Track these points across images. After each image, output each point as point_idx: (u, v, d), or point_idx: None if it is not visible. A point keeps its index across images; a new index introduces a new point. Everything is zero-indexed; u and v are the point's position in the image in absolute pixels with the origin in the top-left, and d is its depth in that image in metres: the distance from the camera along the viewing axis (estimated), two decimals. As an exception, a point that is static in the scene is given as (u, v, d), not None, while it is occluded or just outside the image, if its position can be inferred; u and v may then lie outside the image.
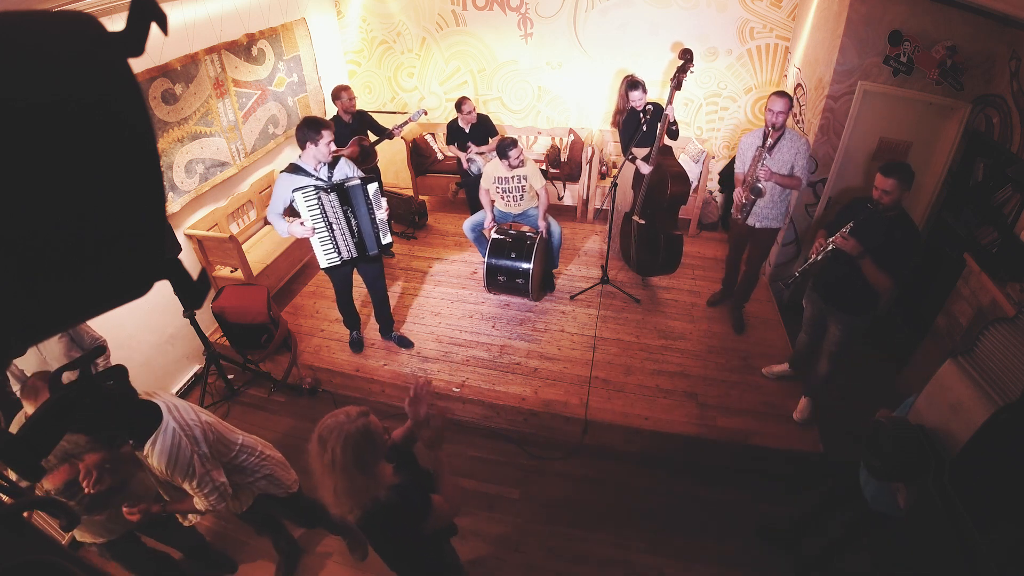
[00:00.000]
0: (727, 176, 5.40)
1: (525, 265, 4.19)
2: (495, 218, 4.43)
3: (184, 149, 3.84)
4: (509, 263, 4.24)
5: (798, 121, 4.54)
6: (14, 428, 2.20)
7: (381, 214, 3.45)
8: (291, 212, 3.37)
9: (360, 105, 4.93)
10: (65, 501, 2.04)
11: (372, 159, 4.78)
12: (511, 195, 4.31)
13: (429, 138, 6.04)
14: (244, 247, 4.28)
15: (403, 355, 4.05)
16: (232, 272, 4.20)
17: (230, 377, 3.95)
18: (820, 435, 3.36)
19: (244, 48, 4.38)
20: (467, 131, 5.11)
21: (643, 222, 4.31)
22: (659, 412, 3.55)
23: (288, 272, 4.67)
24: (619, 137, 4.40)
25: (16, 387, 2.55)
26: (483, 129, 5.14)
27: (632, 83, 4.01)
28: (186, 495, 2.07)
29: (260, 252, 4.51)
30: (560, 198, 5.67)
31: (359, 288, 3.95)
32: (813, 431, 3.39)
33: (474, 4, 5.41)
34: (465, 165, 5.15)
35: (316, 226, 3.32)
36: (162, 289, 0.54)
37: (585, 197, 5.71)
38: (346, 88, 4.60)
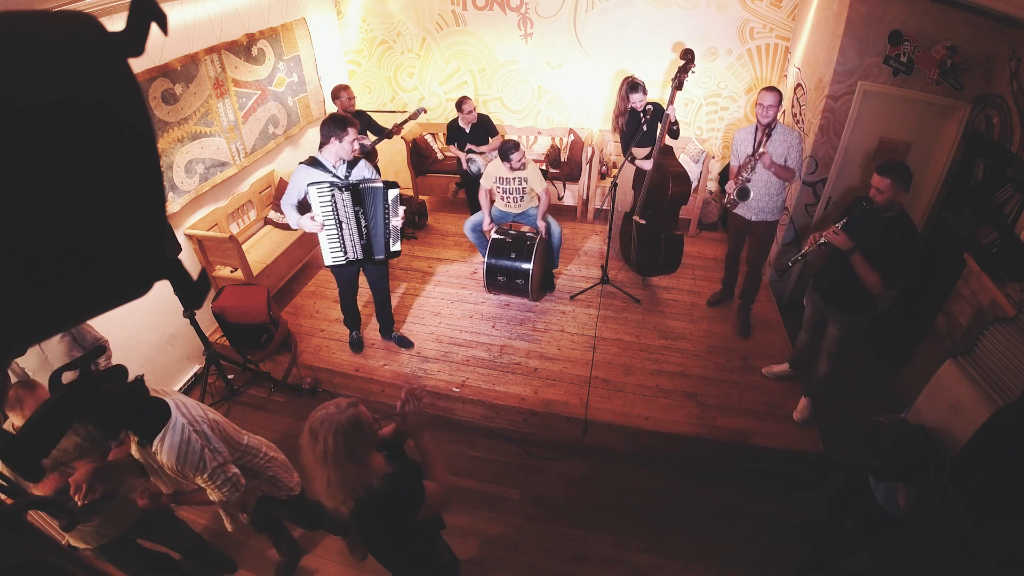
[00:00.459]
0: (727, 176, 5.41)
1: (525, 265, 4.19)
2: (493, 219, 4.43)
3: (184, 149, 3.84)
4: (509, 263, 4.23)
5: (798, 121, 4.55)
6: None
7: (396, 221, 3.47)
8: (303, 204, 3.36)
9: (360, 105, 4.94)
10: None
11: (372, 159, 4.79)
12: (511, 196, 4.32)
13: (429, 138, 6.04)
14: (244, 247, 4.28)
15: (403, 355, 4.05)
16: (232, 272, 4.20)
17: (230, 377, 3.95)
18: (820, 435, 3.36)
19: (244, 48, 4.38)
20: (467, 131, 5.11)
21: (643, 222, 4.31)
22: (659, 412, 3.55)
23: (288, 272, 4.66)
24: (620, 140, 4.41)
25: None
26: (483, 129, 5.14)
27: (632, 85, 4.01)
28: (198, 489, 2.07)
29: (260, 252, 4.51)
30: (560, 198, 5.67)
31: (362, 288, 3.94)
32: (813, 431, 3.39)
33: (474, 4, 5.41)
34: (465, 165, 5.15)
35: (326, 222, 3.31)
36: (162, 289, 0.54)
37: (585, 197, 5.71)
38: (345, 88, 4.60)
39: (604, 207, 5.74)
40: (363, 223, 3.41)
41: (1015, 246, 3.13)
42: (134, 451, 2.03)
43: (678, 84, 3.80)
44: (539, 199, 4.32)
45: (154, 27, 0.48)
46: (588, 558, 2.96)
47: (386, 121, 5.04)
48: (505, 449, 3.61)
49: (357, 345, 4.09)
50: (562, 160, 5.71)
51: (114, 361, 2.84)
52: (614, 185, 4.19)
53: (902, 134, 3.95)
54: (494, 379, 3.83)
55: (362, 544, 1.78)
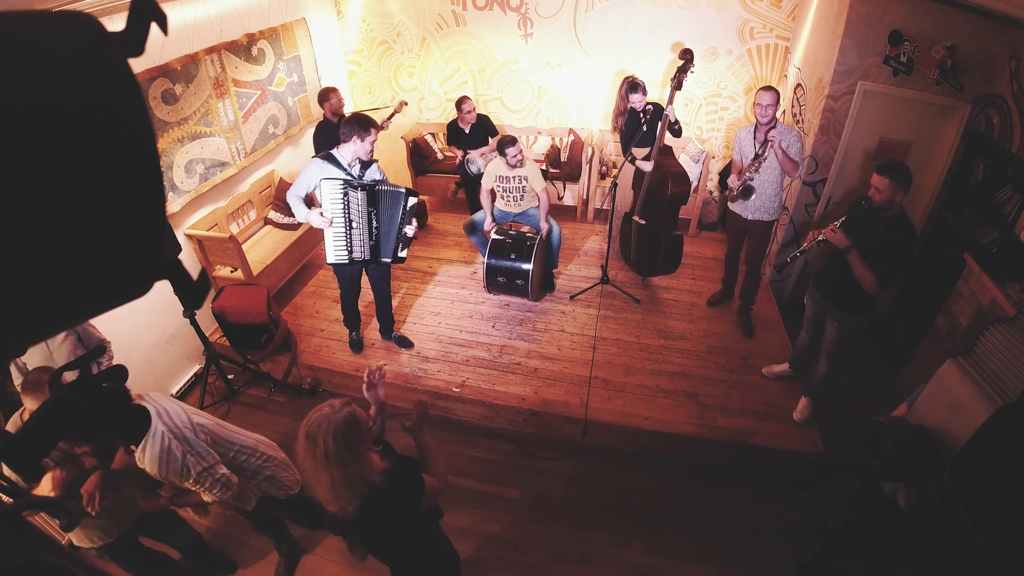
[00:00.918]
0: (728, 173, 5.42)
1: (525, 266, 4.19)
2: (495, 218, 4.43)
3: (184, 149, 3.84)
4: (509, 264, 4.23)
5: (798, 121, 4.55)
6: (11, 427, 2.19)
7: (410, 230, 3.47)
8: (308, 200, 3.35)
9: (360, 106, 4.93)
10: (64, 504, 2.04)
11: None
12: (511, 195, 4.31)
13: (429, 138, 6.04)
14: (244, 247, 4.28)
15: (403, 355, 4.05)
16: (232, 272, 4.20)
17: (230, 377, 3.95)
18: (820, 435, 3.36)
19: (244, 48, 4.38)
20: (467, 132, 5.11)
21: (643, 222, 4.31)
22: (659, 412, 3.55)
23: (288, 272, 4.66)
24: (620, 139, 4.41)
25: (19, 383, 2.56)
26: (483, 129, 5.14)
27: (632, 85, 4.01)
28: (190, 491, 2.08)
29: (260, 252, 4.51)
30: (560, 198, 5.67)
31: (362, 289, 3.93)
32: (813, 431, 3.39)
33: (474, 4, 5.41)
34: (465, 165, 5.15)
35: (335, 219, 3.30)
36: (162, 289, 0.54)
37: (585, 197, 5.71)
38: (334, 90, 4.56)
39: (604, 207, 5.74)
40: (374, 224, 3.40)
41: (1015, 246, 3.12)
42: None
43: (677, 84, 3.80)
44: (539, 199, 4.32)
45: (154, 27, 0.48)
46: (588, 558, 2.96)
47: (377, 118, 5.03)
48: (505, 449, 3.61)
49: (357, 345, 4.09)
50: (562, 160, 5.71)
51: (114, 361, 2.85)
52: (614, 185, 4.19)
53: (902, 134, 3.95)
54: (494, 379, 3.83)
55: (363, 544, 1.79)
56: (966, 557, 1.92)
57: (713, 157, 5.41)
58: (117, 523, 2.31)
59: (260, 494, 2.39)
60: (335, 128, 4.50)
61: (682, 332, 4.23)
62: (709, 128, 5.56)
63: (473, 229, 4.54)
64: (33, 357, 2.48)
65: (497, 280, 4.33)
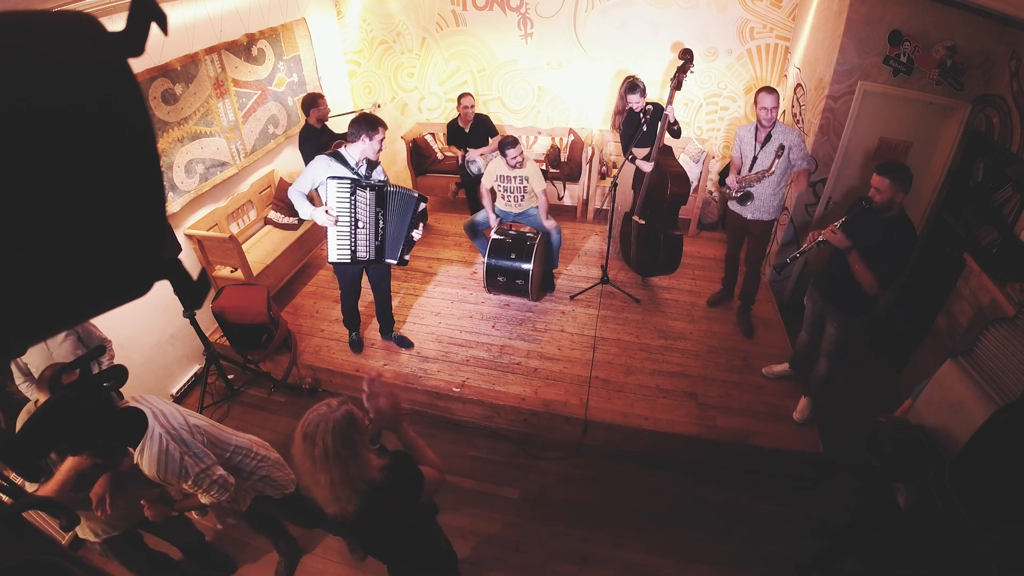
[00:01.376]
0: (727, 172, 5.42)
1: (525, 266, 4.19)
2: (498, 217, 4.43)
3: (184, 149, 3.84)
4: (509, 263, 4.23)
5: (798, 121, 4.55)
6: (23, 419, 2.20)
7: (417, 233, 3.48)
8: (311, 197, 3.35)
9: (360, 105, 4.92)
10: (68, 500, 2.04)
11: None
12: (512, 195, 4.31)
13: (429, 138, 6.04)
14: (244, 247, 4.28)
15: (403, 355, 4.05)
16: (232, 272, 4.20)
17: (230, 377, 3.95)
18: (820, 435, 3.36)
19: (244, 48, 4.38)
20: (467, 131, 5.11)
21: (643, 222, 4.31)
22: (659, 412, 3.55)
23: (288, 272, 4.66)
24: (620, 139, 4.41)
25: (20, 381, 2.56)
26: (483, 129, 5.15)
27: (631, 85, 4.01)
28: (189, 494, 2.08)
29: (260, 252, 4.51)
30: (560, 198, 5.67)
31: (364, 290, 3.93)
32: (813, 431, 3.39)
33: (474, 4, 5.41)
34: (465, 165, 5.16)
35: (340, 218, 3.28)
36: (162, 289, 0.54)
37: (585, 197, 5.71)
38: (321, 96, 4.49)
39: (604, 207, 5.74)
40: (381, 224, 3.39)
41: (1015, 246, 3.12)
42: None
43: (677, 84, 3.80)
44: (538, 199, 4.32)
45: (154, 27, 0.48)
46: (588, 558, 2.96)
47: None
48: (505, 449, 3.61)
49: (357, 345, 4.09)
50: (562, 160, 5.71)
51: (115, 361, 2.85)
52: (614, 185, 4.19)
53: (902, 134, 3.95)
54: (494, 379, 3.83)
55: (360, 543, 1.78)
56: (966, 557, 1.92)
57: (713, 157, 5.41)
58: (124, 518, 2.31)
59: (255, 494, 2.40)
60: (321, 135, 4.48)
61: (682, 332, 4.23)
62: (709, 128, 5.56)
63: (473, 229, 4.54)
64: (33, 357, 2.48)
65: (497, 280, 4.33)
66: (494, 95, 5.91)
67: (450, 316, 4.43)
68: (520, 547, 3.02)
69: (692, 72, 3.87)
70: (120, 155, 0.43)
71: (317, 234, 4.90)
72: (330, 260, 3.43)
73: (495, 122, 5.38)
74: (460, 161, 5.21)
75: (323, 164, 3.22)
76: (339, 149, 3.28)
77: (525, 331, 4.25)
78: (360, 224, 3.34)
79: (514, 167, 4.11)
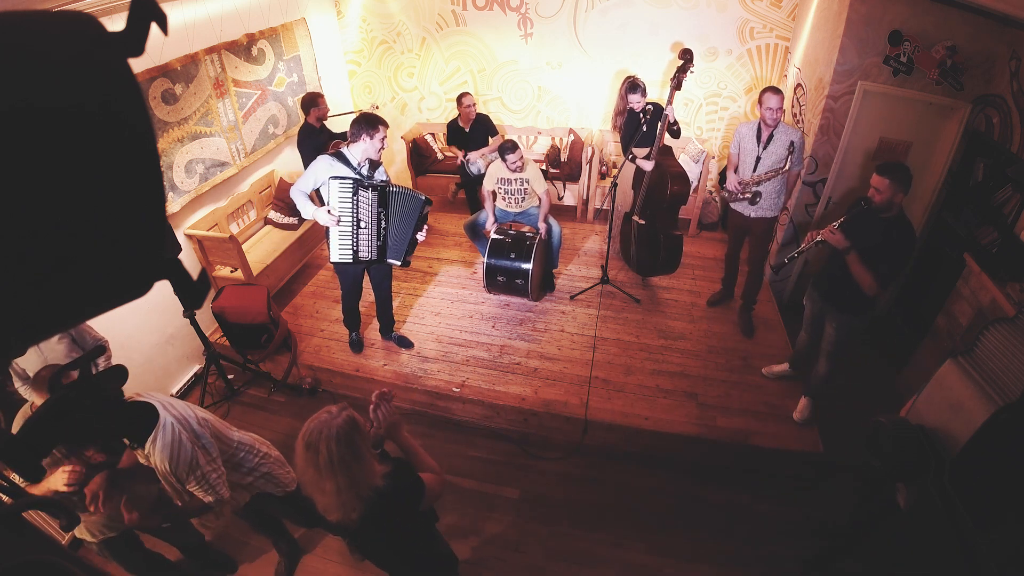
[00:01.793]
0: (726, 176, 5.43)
1: (525, 265, 4.19)
2: (496, 218, 4.43)
3: (184, 149, 3.84)
4: (509, 263, 4.23)
5: (798, 121, 4.55)
6: (19, 421, 2.19)
7: (421, 236, 3.49)
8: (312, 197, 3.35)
9: (359, 105, 4.92)
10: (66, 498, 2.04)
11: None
12: (512, 197, 4.32)
13: (429, 138, 6.04)
14: (244, 247, 4.28)
15: (403, 355, 4.05)
16: (232, 272, 4.20)
17: (230, 377, 3.95)
18: (820, 435, 3.36)
19: (244, 48, 4.38)
20: (467, 131, 5.11)
21: (643, 222, 4.31)
22: (659, 412, 3.55)
23: (288, 272, 4.66)
24: (620, 139, 4.41)
25: (18, 384, 2.56)
26: (483, 129, 5.15)
27: (632, 85, 4.01)
28: (191, 497, 2.07)
29: (260, 252, 4.51)
30: (560, 198, 5.67)
31: (364, 290, 3.93)
32: (813, 431, 3.39)
33: (474, 4, 5.41)
34: (465, 166, 5.15)
35: (342, 217, 3.28)
36: (162, 289, 0.54)
37: (585, 197, 5.71)
38: (320, 96, 4.49)
39: (604, 207, 5.74)
40: (383, 224, 3.39)
41: (1015, 246, 3.12)
42: (141, 457, 2.03)
43: (677, 84, 3.80)
44: (540, 201, 4.32)
45: (154, 27, 0.48)
46: (588, 558, 2.96)
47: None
48: (505, 449, 3.61)
49: (357, 345, 4.09)
50: (562, 160, 5.71)
51: (114, 361, 2.84)
52: (614, 185, 4.19)
53: (902, 134, 3.95)
54: (494, 379, 3.83)
55: (362, 550, 1.77)
56: (966, 557, 1.92)
57: (713, 157, 5.40)
58: (120, 518, 2.30)
59: (257, 492, 2.39)
60: (320, 134, 4.48)
61: (682, 332, 4.23)
62: (709, 128, 5.56)
63: (473, 229, 4.54)
64: (27, 360, 2.47)
65: (497, 280, 4.33)
66: (494, 95, 5.91)
67: (450, 316, 4.43)
68: (520, 547, 3.02)
69: (692, 72, 3.87)
70: (120, 155, 0.43)
71: (317, 234, 4.90)
72: (332, 260, 3.43)
73: (495, 122, 5.37)
74: (461, 161, 5.21)
75: (325, 164, 3.22)
76: (341, 149, 3.28)
77: (525, 331, 4.25)
78: (362, 224, 3.34)
79: (514, 171, 4.11)
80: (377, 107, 5.21)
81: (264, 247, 4.59)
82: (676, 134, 4.02)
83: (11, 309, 0.41)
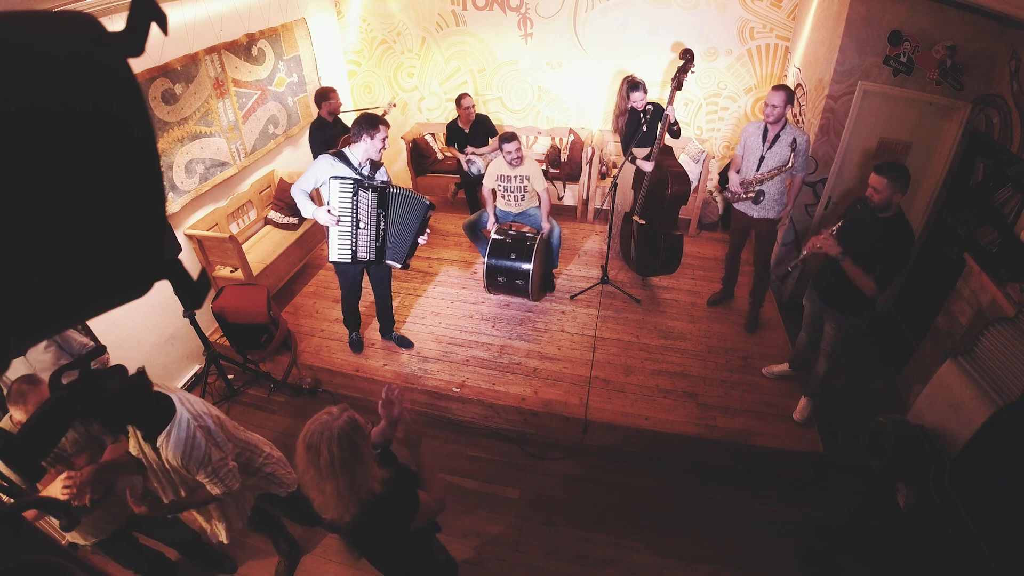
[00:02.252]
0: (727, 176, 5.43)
1: (525, 266, 4.19)
2: (496, 218, 4.43)
3: (184, 149, 3.84)
4: (509, 264, 4.23)
5: (798, 121, 4.55)
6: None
7: (423, 239, 3.51)
8: (312, 197, 3.35)
9: (360, 105, 4.92)
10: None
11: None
12: (512, 195, 4.31)
13: (429, 138, 6.04)
14: (244, 247, 4.28)
15: (403, 355, 4.05)
16: (232, 272, 4.20)
17: (230, 377, 3.95)
18: (820, 435, 3.36)
19: (244, 48, 4.38)
20: (467, 132, 5.11)
21: (643, 222, 4.31)
22: (659, 412, 3.55)
23: (288, 272, 4.66)
24: (620, 139, 4.41)
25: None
26: (483, 129, 5.14)
27: (633, 84, 4.01)
28: (197, 487, 2.06)
29: (260, 252, 4.51)
30: (560, 198, 5.67)
31: (364, 290, 3.93)
32: (813, 431, 3.39)
33: (474, 4, 5.41)
34: (465, 166, 5.15)
35: (342, 217, 3.29)
36: (162, 289, 0.54)
37: (585, 197, 5.71)
38: (333, 90, 4.53)
39: (604, 207, 5.74)
40: (382, 225, 3.39)
41: (1015, 246, 3.13)
42: (132, 448, 2.03)
43: (677, 84, 3.80)
44: (540, 199, 4.32)
45: (154, 27, 0.48)
46: (588, 558, 2.96)
47: None
48: (505, 449, 3.61)
49: (357, 345, 4.09)
50: (562, 160, 5.71)
51: (113, 362, 2.84)
52: (614, 185, 4.19)
53: (902, 134, 3.95)
54: (494, 379, 3.83)
55: (359, 549, 1.77)
56: (966, 557, 1.92)
57: (713, 157, 5.40)
58: (113, 519, 2.30)
59: (260, 492, 2.40)
60: (331, 128, 4.50)
61: (682, 332, 4.23)
62: (709, 128, 5.56)
63: (473, 229, 4.54)
64: (13, 369, 2.42)
65: (497, 280, 4.33)
66: (494, 95, 5.91)
67: (450, 316, 4.43)
68: (520, 547, 3.02)
69: (693, 72, 3.87)
70: (120, 155, 0.43)
71: (317, 234, 4.90)
72: (331, 260, 3.43)
73: (495, 122, 5.37)
74: (461, 161, 5.21)
75: (326, 164, 3.23)
76: (343, 149, 3.28)
77: (525, 331, 4.25)
78: (361, 225, 3.34)
79: (512, 164, 4.10)
80: (395, 104, 5.21)
81: (264, 247, 4.59)
82: (676, 134, 4.02)
83: (11, 309, 0.41)
